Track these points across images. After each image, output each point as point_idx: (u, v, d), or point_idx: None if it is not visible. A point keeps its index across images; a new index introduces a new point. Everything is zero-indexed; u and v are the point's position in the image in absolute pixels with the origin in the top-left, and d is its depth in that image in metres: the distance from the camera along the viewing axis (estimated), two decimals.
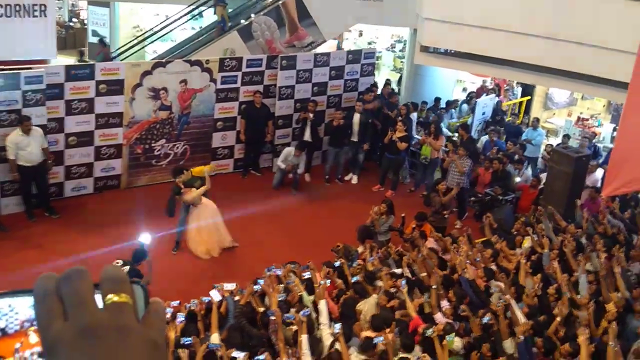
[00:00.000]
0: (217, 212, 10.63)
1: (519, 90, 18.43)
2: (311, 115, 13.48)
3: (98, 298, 0.96)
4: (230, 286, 7.78)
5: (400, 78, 17.73)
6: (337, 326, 6.78)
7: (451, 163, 12.28)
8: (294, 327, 7.07)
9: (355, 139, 13.64)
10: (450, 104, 16.42)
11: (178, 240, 10.66)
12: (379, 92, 15.21)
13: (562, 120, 17.58)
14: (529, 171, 13.64)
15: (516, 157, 13.38)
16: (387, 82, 16.36)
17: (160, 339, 0.98)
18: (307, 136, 13.59)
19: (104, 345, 0.90)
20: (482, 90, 18.00)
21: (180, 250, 10.62)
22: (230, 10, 14.83)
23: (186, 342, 6.65)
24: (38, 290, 0.97)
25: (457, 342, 6.84)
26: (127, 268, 8.18)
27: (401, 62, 18.71)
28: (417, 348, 6.83)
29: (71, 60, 16.32)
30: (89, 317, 0.93)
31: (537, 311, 7.71)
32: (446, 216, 11.11)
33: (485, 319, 7.11)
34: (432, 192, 11.80)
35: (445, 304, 7.58)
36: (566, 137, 15.20)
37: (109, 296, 0.96)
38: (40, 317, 0.95)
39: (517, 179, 12.83)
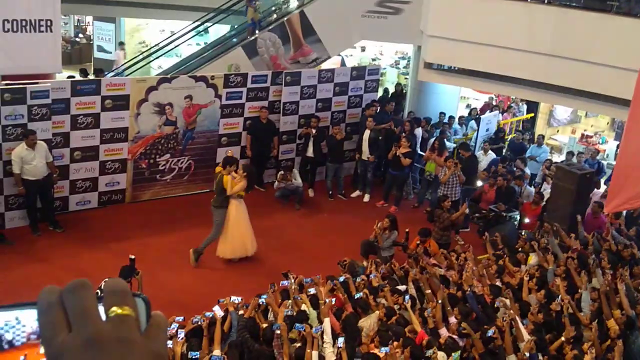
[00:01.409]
0: (247, 214, 10.68)
1: (524, 107, 18.47)
2: (314, 130, 13.53)
3: (101, 310, 0.97)
4: (236, 299, 7.78)
5: (401, 92, 17.75)
6: (340, 340, 6.77)
7: (440, 173, 12.41)
8: (298, 344, 7.06)
9: (364, 157, 13.66)
10: (449, 121, 16.46)
11: (205, 242, 10.65)
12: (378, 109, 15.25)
13: (565, 138, 17.60)
14: (532, 188, 13.64)
15: (517, 173, 13.39)
16: (396, 91, 16.39)
17: (163, 351, 0.99)
18: (310, 152, 13.64)
19: (107, 356, 0.91)
20: (487, 107, 18.05)
21: (184, 263, 10.60)
22: (236, 26, 14.95)
23: (194, 357, 6.65)
24: (42, 302, 0.98)
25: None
26: None
27: (405, 78, 18.78)
28: None
29: (76, 75, 16.40)
30: (92, 329, 0.93)
31: (541, 328, 7.70)
32: (457, 238, 11.05)
33: (489, 333, 7.09)
34: (436, 208, 11.80)
35: (453, 320, 7.55)
36: (570, 154, 15.21)
37: (113, 309, 0.97)
38: (44, 329, 0.96)
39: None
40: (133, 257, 8.63)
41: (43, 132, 10.94)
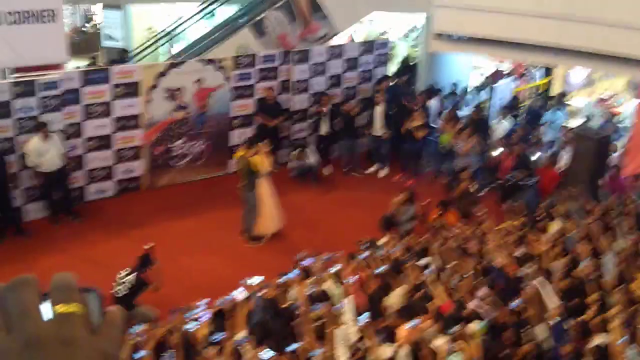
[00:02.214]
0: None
1: (537, 72, 18.21)
2: (324, 108, 13.44)
3: (48, 307, 0.92)
4: (257, 280, 7.76)
5: (409, 65, 17.55)
6: (365, 316, 6.72)
7: (456, 144, 12.30)
8: (319, 322, 7.03)
9: (378, 133, 13.57)
10: (462, 91, 16.27)
11: (249, 227, 10.82)
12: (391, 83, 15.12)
13: (581, 101, 17.37)
14: (543, 154, 13.49)
15: (533, 139, 13.25)
16: (404, 63, 16.24)
17: (113, 349, 0.94)
18: (324, 130, 13.56)
19: (48, 357, 0.87)
20: (498, 75, 17.82)
21: (205, 246, 10.61)
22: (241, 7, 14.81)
23: (216, 340, 6.65)
24: None
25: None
26: (132, 276, 8.20)
27: (415, 50, 18.58)
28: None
29: (87, 64, 16.35)
30: (32, 330, 0.89)
31: (568, 294, 7.62)
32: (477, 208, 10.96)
33: (514, 304, 7.03)
34: (454, 179, 11.71)
35: (481, 292, 7.46)
36: (586, 118, 15.03)
37: (57, 306, 0.92)
38: None
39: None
40: (148, 246, 8.60)
41: (55, 124, 10.94)
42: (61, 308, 0.91)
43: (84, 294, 0.96)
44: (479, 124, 13.45)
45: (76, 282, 0.97)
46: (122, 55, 16.13)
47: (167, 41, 15.67)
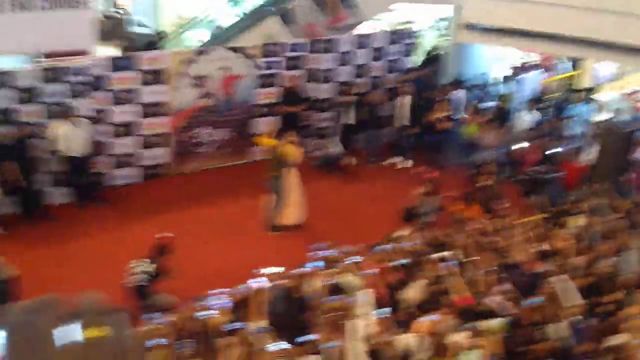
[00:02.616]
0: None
1: (565, 65, 17.97)
2: (349, 99, 13.42)
3: (73, 329, 0.96)
4: (277, 270, 7.81)
5: (435, 56, 17.42)
6: (385, 311, 6.73)
7: (481, 137, 12.25)
8: (337, 314, 7.06)
9: (400, 122, 13.54)
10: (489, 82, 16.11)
11: (273, 216, 10.93)
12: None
13: (609, 95, 17.12)
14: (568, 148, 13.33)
15: (560, 133, 13.11)
16: (430, 55, 16.17)
17: None
18: (350, 119, 13.55)
19: None
20: (525, 67, 17.62)
21: (229, 233, 10.70)
22: None
23: (237, 327, 6.71)
24: (11, 323, 0.97)
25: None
26: (150, 265, 8.28)
27: (443, 41, 18.43)
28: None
29: (115, 51, 16.48)
30: (44, 357, 0.92)
31: (589, 291, 7.58)
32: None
33: (534, 301, 7.01)
34: (478, 172, 11.66)
35: (502, 287, 7.44)
36: (614, 111, 14.82)
37: (88, 330, 0.95)
38: (9, 352, 0.95)
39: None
40: (170, 235, 8.65)
41: (84, 109, 11.08)
42: (91, 332, 0.95)
43: (114, 315, 0.99)
44: (504, 116, 13.36)
45: (105, 302, 1.00)
46: (158, 38, 16.15)
47: (196, 28, 15.72)
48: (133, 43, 15.44)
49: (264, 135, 11.42)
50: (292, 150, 10.73)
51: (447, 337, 6.61)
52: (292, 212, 11.02)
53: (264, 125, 13.04)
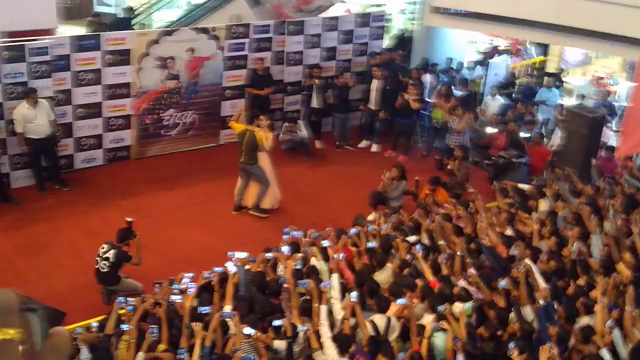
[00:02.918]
0: None
1: (534, 50, 18.07)
2: (317, 81, 13.29)
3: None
4: (242, 255, 7.70)
5: (404, 39, 17.36)
6: (354, 294, 6.69)
7: (450, 122, 12.25)
8: (306, 297, 7.01)
9: (372, 106, 13.46)
10: (457, 66, 16.12)
11: (259, 199, 10.77)
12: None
13: (577, 80, 17.26)
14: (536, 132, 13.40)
15: (527, 118, 13.16)
16: (399, 38, 16.10)
17: None
18: (315, 103, 13.44)
19: None
20: (494, 52, 17.67)
21: (193, 218, 10.54)
22: None
23: (203, 312, 6.63)
24: None
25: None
26: (113, 251, 8.13)
27: (412, 24, 18.38)
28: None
29: (78, 31, 16.12)
30: None
31: (553, 275, 7.60)
32: (467, 186, 10.91)
33: (503, 284, 7.02)
34: (445, 157, 11.66)
35: (472, 272, 7.43)
36: (581, 97, 14.94)
37: None
38: None
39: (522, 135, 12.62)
40: (130, 219, 8.53)
41: (44, 90, 10.80)
42: None
43: (26, 314, 0.87)
44: (473, 101, 13.36)
45: (18, 301, 0.88)
46: (126, 17, 15.81)
47: (159, 8, 15.44)
48: (100, 22, 15.06)
49: (234, 119, 11.22)
50: (266, 135, 10.56)
51: (414, 320, 6.60)
52: (271, 197, 10.88)
53: (232, 108, 12.85)
